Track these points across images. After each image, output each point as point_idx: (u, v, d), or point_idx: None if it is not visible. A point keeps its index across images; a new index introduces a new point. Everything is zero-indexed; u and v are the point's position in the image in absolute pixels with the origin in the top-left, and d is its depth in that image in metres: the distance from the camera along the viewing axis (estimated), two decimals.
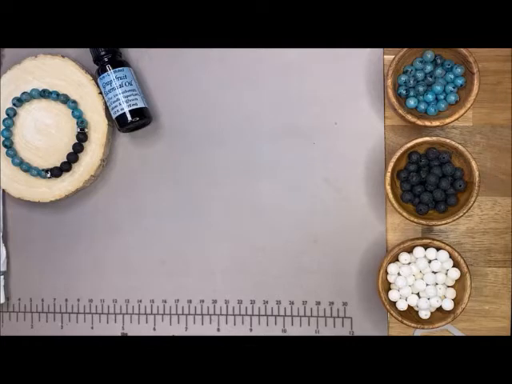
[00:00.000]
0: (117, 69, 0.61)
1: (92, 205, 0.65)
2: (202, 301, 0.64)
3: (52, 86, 0.62)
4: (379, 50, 0.63)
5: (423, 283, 0.58)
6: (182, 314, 0.64)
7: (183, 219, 0.64)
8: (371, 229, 0.62)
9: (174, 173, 0.64)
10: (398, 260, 0.59)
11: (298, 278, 0.63)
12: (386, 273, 0.59)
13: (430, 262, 0.58)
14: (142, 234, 0.65)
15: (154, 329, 0.65)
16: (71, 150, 0.62)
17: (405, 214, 0.57)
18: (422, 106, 0.59)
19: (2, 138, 0.62)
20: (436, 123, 0.57)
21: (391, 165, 0.57)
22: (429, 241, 0.58)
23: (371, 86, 0.63)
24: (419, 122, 0.57)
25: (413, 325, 0.57)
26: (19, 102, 0.62)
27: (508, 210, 0.61)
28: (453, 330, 0.61)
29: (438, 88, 0.58)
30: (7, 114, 0.62)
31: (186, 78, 0.64)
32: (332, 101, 0.63)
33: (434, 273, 0.58)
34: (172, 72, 0.65)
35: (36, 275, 0.66)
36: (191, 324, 0.64)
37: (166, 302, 0.64)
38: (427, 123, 0.57)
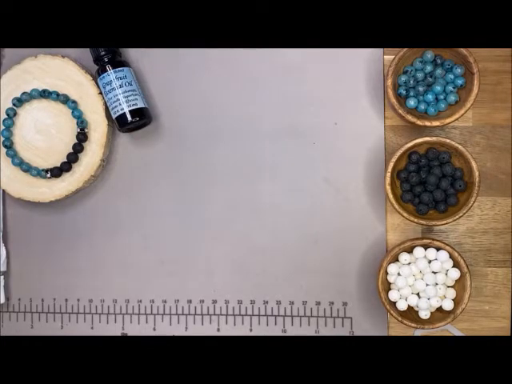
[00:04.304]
0: (117, 69, 0.61)
1: (92, 205, 0.65)
2: (202, 301, 0.64)
3: (52, 86, 0.62)
4: (379, 50, 0.63)
5: (423, 283, 0.58)
6: (182, 314, 0.64)
7: (183, 219, 0.64)
8: (371, 229, 0.62)
9: (174, 173, 0.64)
10: (397, 260, 0.59)
11: (297, 278, 0.63)
12: (386, 273, 0.59)
13: (430, 262, 0.58)
14: (141, 234, 0.65)
15: (154, 329, 0.65)
16: (71, 150, 0.62)
17: (405, 214, 0.57)
18: (422, 106, 0.59)
19: (2, 138, 0.62)
20: (436, 123, 0.57)
21: (391, 165, 0.57)
22: (429, 241, 0.58)
23: (371, 85, 0.63)
24: (419, 122, 0.57)
25: (413, 325, 0.57)
26: (19, 102, 0.62)
27: (508, 210, 0.61)
28: (453, 330, 0.61)
29: (437, 88, 0.58)
30: (7, 114, 0.62)
31: (186, 78, 0.64)
32: (332, 101, 0.63)
33: (434, 273, 0.58)
34: (172, 72, 0.65)
35: (36, 275, 0.66)
36: (191, 324, 0.64)
37: (165, 302, 0.64)
38: (427, 123, 0.57)
